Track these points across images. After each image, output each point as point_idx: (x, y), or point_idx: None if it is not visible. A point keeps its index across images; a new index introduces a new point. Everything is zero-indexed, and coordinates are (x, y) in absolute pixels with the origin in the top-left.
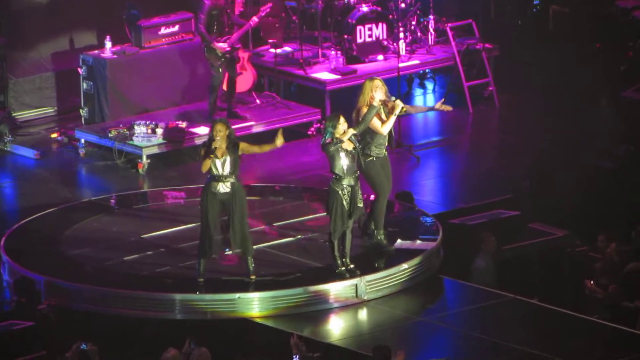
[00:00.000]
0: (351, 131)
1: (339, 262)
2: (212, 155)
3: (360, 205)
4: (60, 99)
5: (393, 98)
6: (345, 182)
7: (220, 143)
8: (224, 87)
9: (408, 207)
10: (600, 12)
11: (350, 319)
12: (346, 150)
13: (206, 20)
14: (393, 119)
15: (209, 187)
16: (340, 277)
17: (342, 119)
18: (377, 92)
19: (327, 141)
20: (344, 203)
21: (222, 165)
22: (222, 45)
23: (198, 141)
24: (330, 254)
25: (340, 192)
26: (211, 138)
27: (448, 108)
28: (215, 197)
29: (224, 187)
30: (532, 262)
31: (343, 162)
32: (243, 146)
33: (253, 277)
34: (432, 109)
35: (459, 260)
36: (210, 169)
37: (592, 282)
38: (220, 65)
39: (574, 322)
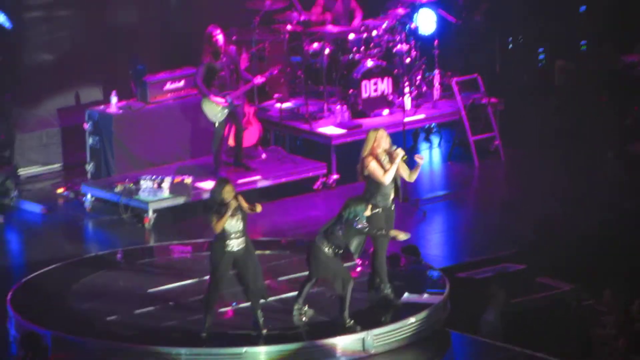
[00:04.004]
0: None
1: (347, 314)
2: (231, 215)
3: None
4: (66, 154)
5: (394, 147)
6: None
7: (235, 204)
8: (230, 142)
9: (414, 261)
10: (606, 67)
11: None
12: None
13: (204, 74)
14: (394, 167)
15: (223, 245)
16: (348, 330)
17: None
18: (382, 141)
19: (358, 224)
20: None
21: (236, 222)
22: (219, 100)
23: (204, 196)
24: (339, 307)
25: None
26: (219, 199)
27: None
28: (229, 255)
29: (238, 244)
30: (539, 316)
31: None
32: (243, 204)
33: (264, 330)
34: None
35: (466, 313)
36: (223, 227)
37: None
38: (218, 120)
39: None
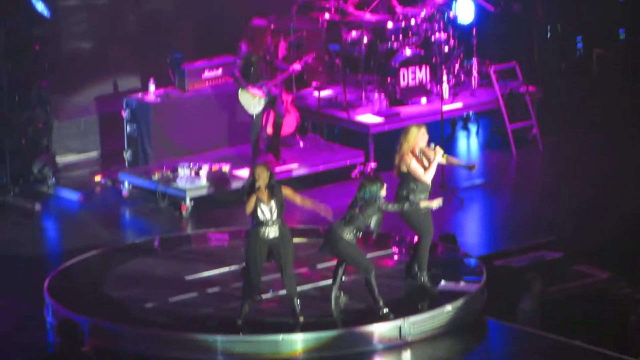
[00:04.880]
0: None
1: (381, 302)
2: (257, 197)
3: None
4: (103, 142)
5: (432, 145)
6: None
7: (263, 187)
8: (269, 130)
9: (451, 249)
10: None
11: None
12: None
13: (242, 66)
14: (434, 166)
15: (257, 233)
16: (384, 318)
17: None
18: (422, 139)
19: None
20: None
21: (269, 210)
22: (256, 92)
23: (240, 184)
24: (370, 296)
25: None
26: (252, 181)
27: (472, 168)
28: (264, 243)
29: (272, 232)
30: (577, 304)
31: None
32: (287, 192)
33: (301, 318)
34: (466, 166)
35: (503, 301)
36: (256, 215)
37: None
38: (255, 111)
39: None
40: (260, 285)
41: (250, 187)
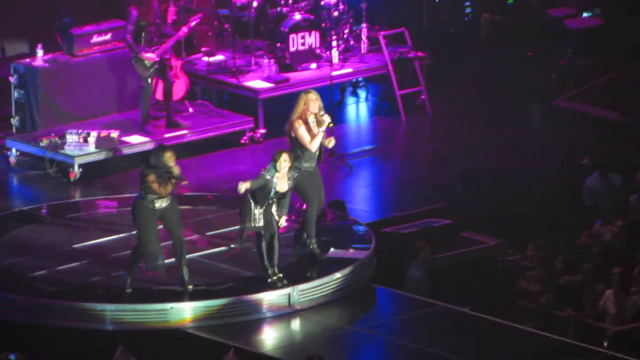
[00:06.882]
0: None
1: (270, 271)
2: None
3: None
4: None
5: (322, 113)
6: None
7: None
8: (159, 97)
9: (341, 216)
10: (532, 21)
11: (283, 329)
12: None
13: (134, 31)
14: (320, 135)
15: (149, 203)
16: (273, 286)
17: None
18: (311, 105)
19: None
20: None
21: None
22: (150, 56)
23: (129, 150)
24: (260, 264)
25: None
26: (161, 165)
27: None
28: (156, 212)
29: (164, 202)
30: (465, 271)
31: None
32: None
33: (190, 286)
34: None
35: (391, 269)
36: (149, 189)
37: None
38: (149, 76)
39: (506, 330)
40: (161, 250)
41: (159, 168)
